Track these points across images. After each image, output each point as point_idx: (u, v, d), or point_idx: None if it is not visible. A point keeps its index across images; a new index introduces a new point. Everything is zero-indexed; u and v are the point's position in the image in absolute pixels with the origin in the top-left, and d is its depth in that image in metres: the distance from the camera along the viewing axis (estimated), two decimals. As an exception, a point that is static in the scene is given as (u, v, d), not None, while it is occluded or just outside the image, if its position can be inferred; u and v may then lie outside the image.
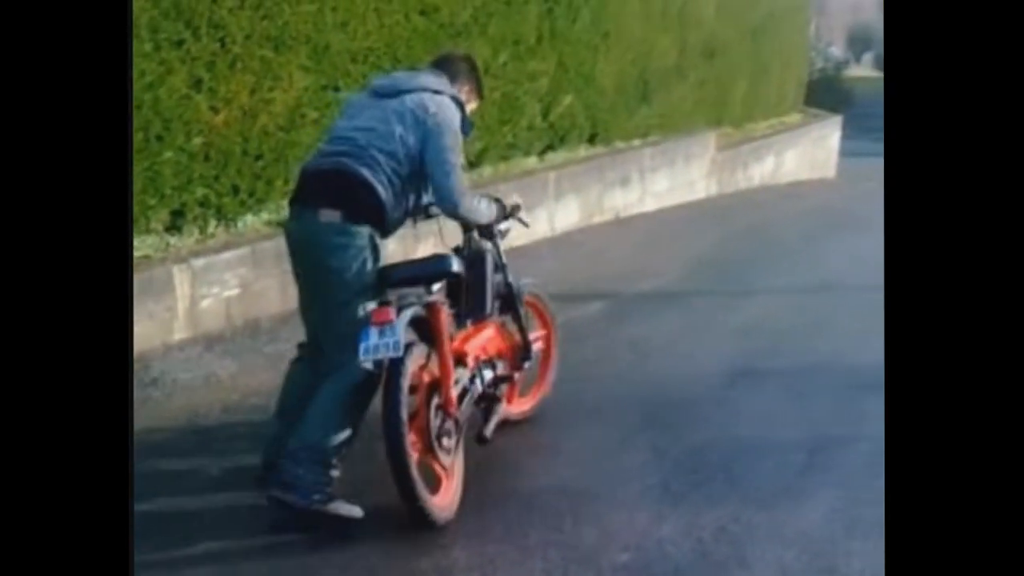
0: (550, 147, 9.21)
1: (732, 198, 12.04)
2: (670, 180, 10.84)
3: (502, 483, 3.78)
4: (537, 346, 4.34)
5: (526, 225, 4.41)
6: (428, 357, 3.53)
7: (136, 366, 4.61)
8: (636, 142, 10.63)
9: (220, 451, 4.02)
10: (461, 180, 3.60)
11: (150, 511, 3.39)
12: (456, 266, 3.69)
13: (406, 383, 3.30)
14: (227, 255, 5.54)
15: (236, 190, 5.83)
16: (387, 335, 3.24)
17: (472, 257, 3.88)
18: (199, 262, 5.38)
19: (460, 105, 3.76)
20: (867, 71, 46.82)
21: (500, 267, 4.03)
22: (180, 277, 5.25)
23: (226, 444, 4.09)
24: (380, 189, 3.46)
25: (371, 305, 3.42)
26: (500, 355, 4.08)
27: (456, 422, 3.55)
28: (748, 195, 12.51)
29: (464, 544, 3.36)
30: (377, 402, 3.35)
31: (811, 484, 3.88)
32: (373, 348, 3.25)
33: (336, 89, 6.38)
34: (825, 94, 22.56)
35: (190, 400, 4.55)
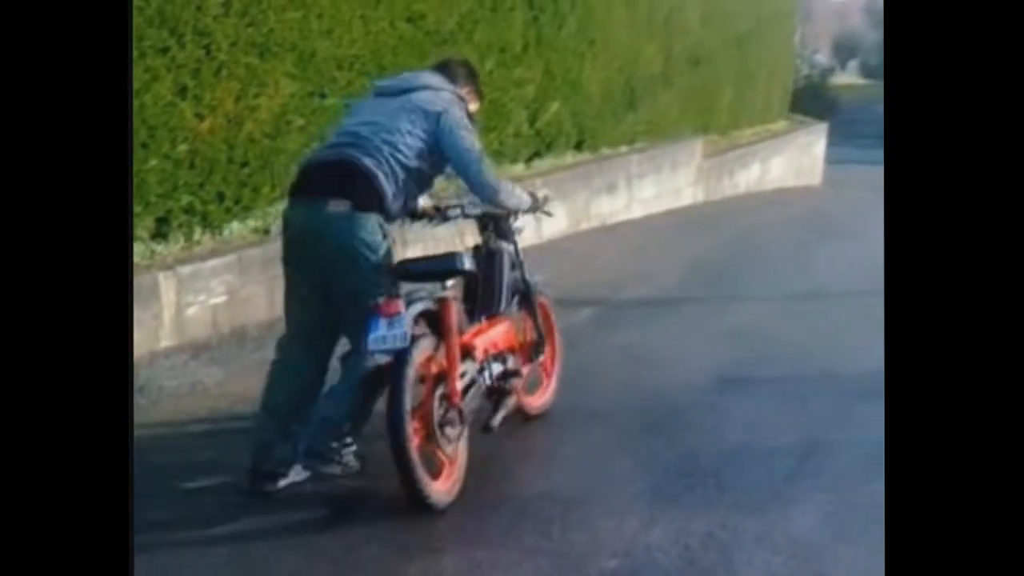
0: (537, 154, 9.21)
1: (718, 205, 12.07)
2: (657, 187, 10.86)
3: (493, 489, 3.77)
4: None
5: (550, 215, 4.60)
6: (436, 349, 3.64)
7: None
8: (623, 149, 10.65)
9: (206, 459, 3.99)
10: (492, 167, 3.78)
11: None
12: (468, 264, 3.82)
13: (411, 372, 3.42)
14: (213, 262, 5.52)
15: (222, 197, 5.80)
16: (395, 326, 3.39)
17: (487, 255, 4.04)
18: (185, 269, 5.35)
19: (463, 102, 3.86)
20: (853, 78, 47.11)
21: (517, 264, 4.20)
22: (166, 284, 5.22)
23: (212, 452, 4.06)
24: (381, 177, 3.54)
25: (384, 293, 3.51)
26: (511, 350, 4.18)
27: (460, 412, 3.62)
28: (734, 202, 12.53)
29: (454, 550, 3.35)
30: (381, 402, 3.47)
31: (800, 490, 3.87)
32: (381, 338, 3.39)
33: (322, 96, 6.37)
34: (811, 101, 22.70)
35: (176, 408, 4.53)
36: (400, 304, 3.44)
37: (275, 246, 5.72)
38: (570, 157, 9.73)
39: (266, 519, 3.50)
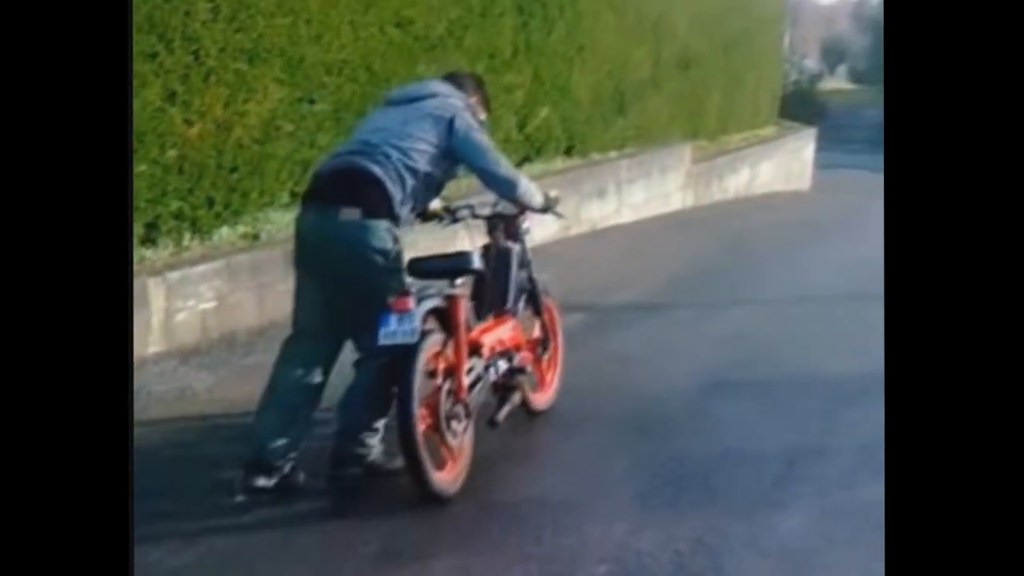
0: (527, 159, 9.22)
1: (707, 210, 12.10)
2: (646, 192, 10.88)
3: (483, 494, 3.77)
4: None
5: (561, 217, 4.66)
6: (445, 345, 3.73)
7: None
8: (612, 154, 10.67)
9: (195, 464, 3.98)
10: (509, 164, 3.88)
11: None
12: (477, 263, 3.91)
13: (420, 367, 3.52)
14: (202, 268, 5.50)
15: (211, 202, 5.79)
16: (405, 322, 3.50)
17: (496, 255, 4.15)
18: (174, 275, 5.34)
19: (472, 109, 3.95)
20: (841, 83, 47.27)
21: (525, 264, 4.32)
22: (155, 290, 5.21)
23: (201, 457, 4.05)
24: (387, 182, 3.61)
25: (394, 294, 3.59)
26: (517, 347, 4.27)
27: (466, 407, 3.72)
28: (723, 207, 12.57)
29: (444, 555, 3.35)
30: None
31: (789, 495, 3.88)
32: (391, 333, 3.50)
33: (311, 102, 6.37)
34: (799, 106, 22.79)
35: (166, 413, 4.51)
36: (410, 301, 3.54)
37: (264, 252, 5.76)
38: (560, 162, 9.75)
39: (255, 516, 3.51)
